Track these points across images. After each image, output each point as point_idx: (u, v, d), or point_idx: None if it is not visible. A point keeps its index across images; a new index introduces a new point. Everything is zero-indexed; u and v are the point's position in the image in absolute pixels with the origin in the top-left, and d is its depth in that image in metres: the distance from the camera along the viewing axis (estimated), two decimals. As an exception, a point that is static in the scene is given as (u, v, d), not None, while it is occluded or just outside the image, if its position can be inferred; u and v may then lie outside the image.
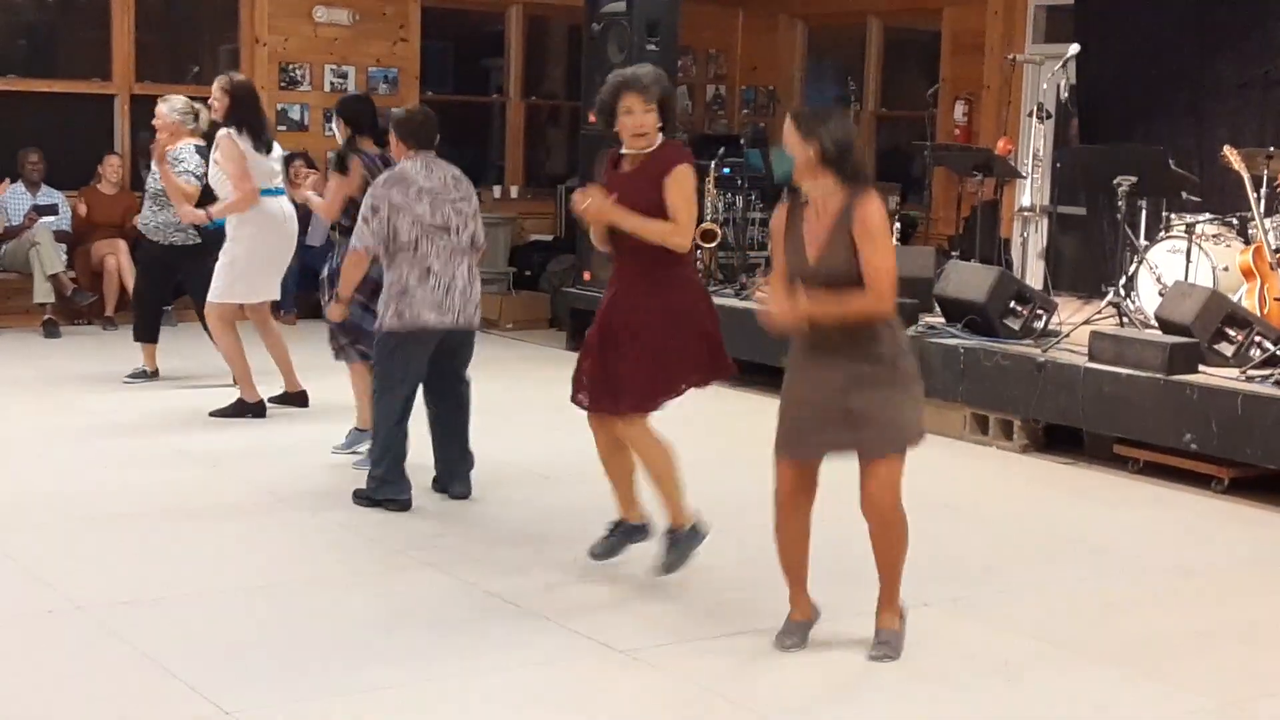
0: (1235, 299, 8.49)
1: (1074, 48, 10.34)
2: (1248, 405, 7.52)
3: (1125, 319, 8.87)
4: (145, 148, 9.69)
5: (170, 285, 9.84)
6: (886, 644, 5.16)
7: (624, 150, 5.74)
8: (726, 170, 11.74)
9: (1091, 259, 10.97)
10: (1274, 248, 8.54)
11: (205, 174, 8.93)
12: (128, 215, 11.77)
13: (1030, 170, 10.49)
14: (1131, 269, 9.25)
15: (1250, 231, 8.90)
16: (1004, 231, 11.35)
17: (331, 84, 12.99)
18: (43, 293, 11.39)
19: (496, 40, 14.45)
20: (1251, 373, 7.85)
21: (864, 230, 4.93)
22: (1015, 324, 8.92)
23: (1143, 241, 9.46)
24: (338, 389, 7.86)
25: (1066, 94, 11.00)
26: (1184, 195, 9.44)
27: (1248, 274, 8.59)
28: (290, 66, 12.84)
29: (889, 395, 5.03)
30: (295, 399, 8.94)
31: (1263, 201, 8.75)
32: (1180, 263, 8.92)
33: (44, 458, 7.73)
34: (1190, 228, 9.05)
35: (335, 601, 5.64)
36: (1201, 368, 7.99)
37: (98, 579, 5.78)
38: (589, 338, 5.82)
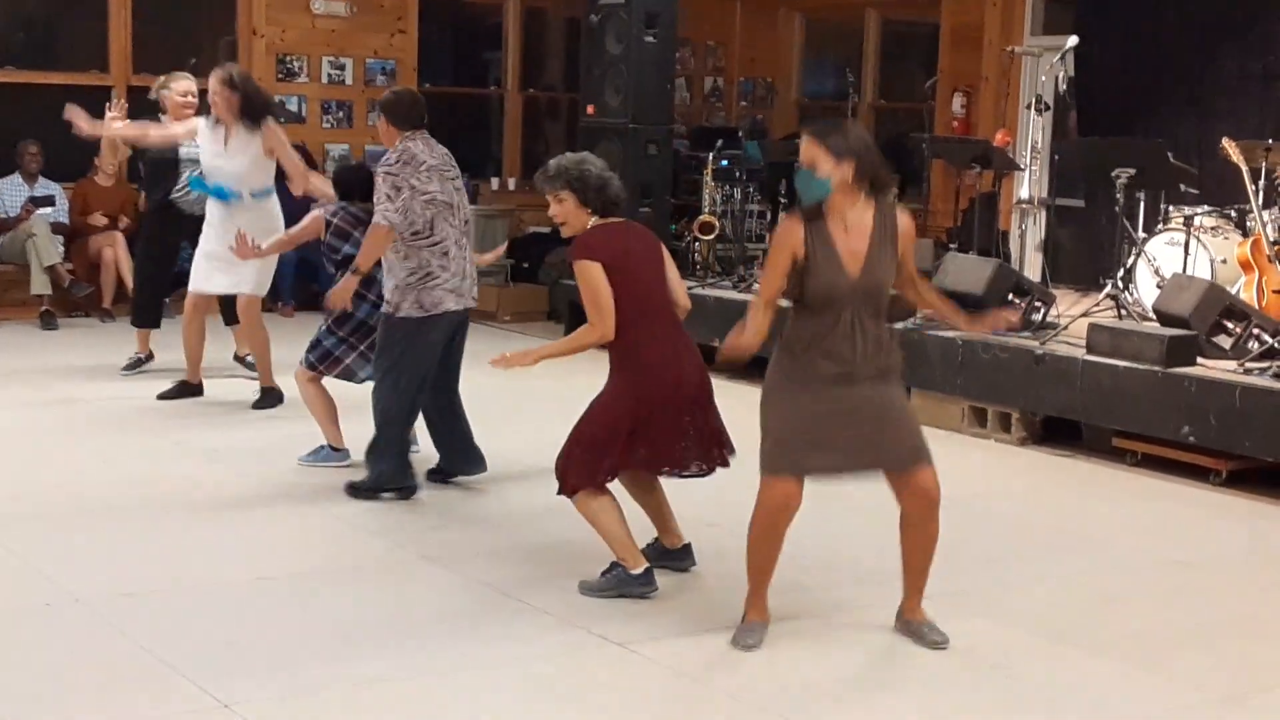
0: (1234, 291, 8.49)
1: (1072, 40, 10.32)
2: (1246, 398, 7.52)
3: (1123, 311, 8.87)
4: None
5: (173, 267, 9.79)
6: (943, 642, 5.26)
7: None
8: (724, 162, 11.73)
9: (1090, 251, 10.96)
10: (1272, 240, 8.54)
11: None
12: (125, 207, 11.76)
13: (1029, 162, 10.48)
14: (1130, 261, 9.25)
15: (1249, 224, 8.90)
16: (1002, 224, 11.34)
17: (329, 76, 12.98)
18: (40, 284, 11.39)
19: (495, 32, 14.44)
20: (1250, 365, 7.86)
21: (909, 240, 5.11)
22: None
23: (1141, 234, 9.46)
24: (333, 383, 7.84)
25: (1065, 86, 10.99)
26: (1182, 188, 9.44)
27: (1246, 266, 8.59)
28: (288, 58, 12.83)
29: (903, 401, 5.24)
30: (192, 390, 9.00)
31: (1261, 194, 8.75)
32: (1179, 255, 8.92)
33: (41, 450, 7.72)
34: (1189, 220, 9.04)
35: (334, 594, 5.64)
36: (1200, 360, 7.99)
37: (96, 572, 5.77)
38: None
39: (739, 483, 6.82)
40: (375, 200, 6.66)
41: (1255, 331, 8.10)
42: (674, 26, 11.56)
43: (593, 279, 5.53)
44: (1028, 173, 10.50)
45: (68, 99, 9.59)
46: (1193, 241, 8.89)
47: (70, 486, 7.01)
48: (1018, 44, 12.04)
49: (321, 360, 7.27)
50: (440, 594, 5.67)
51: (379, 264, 6.86)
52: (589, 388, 5.76)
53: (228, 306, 9.33)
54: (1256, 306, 8.36)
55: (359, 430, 7.28)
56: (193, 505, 6.76)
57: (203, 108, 8.86)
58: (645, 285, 5.63)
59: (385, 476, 6.84)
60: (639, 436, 5.56)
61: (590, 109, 11.64)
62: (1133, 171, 9.05)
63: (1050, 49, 11.01)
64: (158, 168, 9.36)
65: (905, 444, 5.15)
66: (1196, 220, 9.08)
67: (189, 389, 8.99)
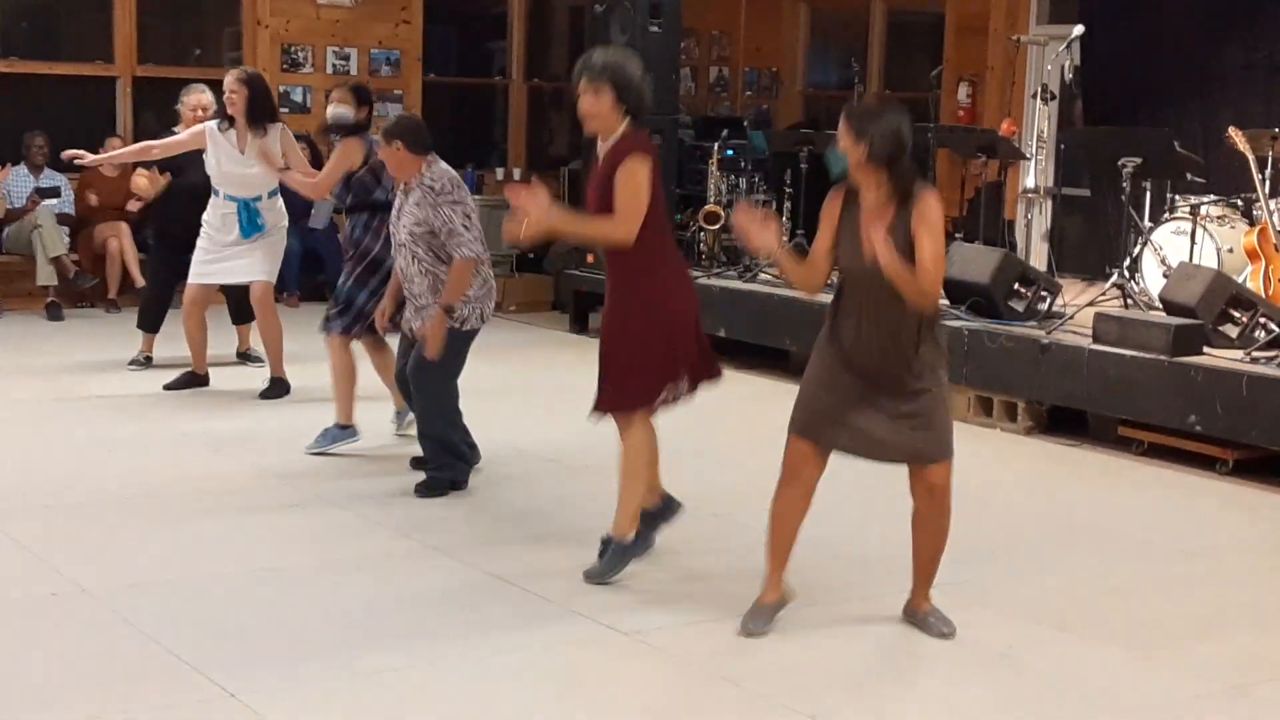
0: (1240, 280, 8.48)
1: (1078, 29, 10.31)
2: (1252, 387, 7.51)
3: (1130, 301, 8.85)
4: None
5: (181, 270, 9.79)
6: (947, 633, 5.25)
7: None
8: (730, 152, 11.72)
9: (1096, 241, 10.96)
10: (1279, 229, 8.52)
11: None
12: (130, 198, 11.75)
13: (1034, 152, 10.46)
14: (1136, 250, 9.24)
15: (1255, 213, 8.89)
16: (1008, 213, 11.33)
17: (334, 66, 12.98)
18: (45, 275, 11.40)
19: (499, 22, 14.43)
20: (1256, 354, 7.84)
21: (921, 219, 4.92)
22: (1019, 306, 8.91)
23: (1147, 223, 9.45)
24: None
25: (1071, 75, 10.96)
26: (1189, 177, 9.42)
27: (1252, 255, 8.58)
28: (292, 49, 12.83)
29: (936, 404, 5.11)
30: (198, 380, 9.04)
31: (1268, 183, 8.74)
32: (1185, 244, 8.91)
33: (47, 441, 7.73)
34: (1195, 209, 9.04)
35: (339, 584, 5.64)
36: (1206, 349, 7.98)
37: (102, 562, 5.78)
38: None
39: (744, 473, 6.83)
40: (448, 230, 6.59)
41: (1262, 320, 8.09)
42: (679, 16, 11.55)
43: (641, 180, 5.42)
44: (1033, 162, 10.48)
45: (73, 90, 9.63)
46: (1199, 230, 8.88)
47: (76, 477, 7.02)
48: (1023, 33, 12.04)
49: (357, 320, 7.36)
50: (446, 584, 5.67)
51: (386, 250, 6.93)
52: (591, 379, 5.74)
53: (235, 304, 9.35)
54: (1263, 295, 8.35)
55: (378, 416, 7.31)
56: (198, 496, 6.77)
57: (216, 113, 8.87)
58: (664, 200, 5.62)
59: (453, 472, 6.87)
60: (673, 357, 5.57)
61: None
62: (1139, 160, 9.03)
63: (1056, 38, 11.00)
64: (194, 191, 9.23)
65: (905, 444, 5.10)
66: (1203, 209, 9.07)
67: (195, 379, 9.01)
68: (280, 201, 8.89)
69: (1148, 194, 9.61)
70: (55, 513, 6.45)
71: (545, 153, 14.84)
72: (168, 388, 8.91)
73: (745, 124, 13.11)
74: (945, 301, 9.13)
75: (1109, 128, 10.39)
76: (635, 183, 5.42)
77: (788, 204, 11.02)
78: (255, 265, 8.75)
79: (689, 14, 12.43)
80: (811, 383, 5.19)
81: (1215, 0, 10.88)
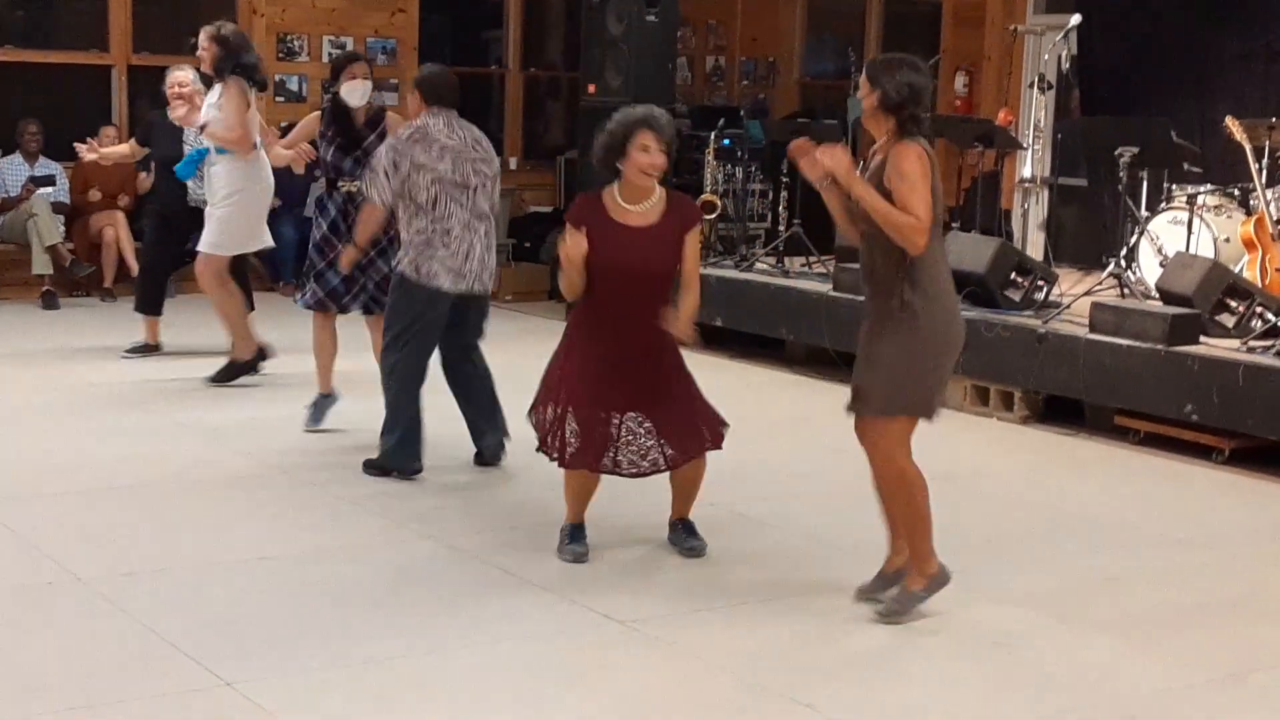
0: (1237, 270, 8.48)
1: (1075, 18, 10.30)
2: (1249, 376, 7.51)
3: (1126, 290, 8.85)
4: (142, 118, 9.64)
5: (178, 254, 9.78)
6: (888, 609, 5.22)
7: (622, 195, 5.62)
8: (726, 142, 11.70)
9: (1092, 230, 10.96)
10: (1275, 219, 8.53)
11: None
12: (125, 186, 11.74)
13: (1031, 141, 10.47)
14: (1133, 240, 9.24)
15: (1252, 202, 8.89)
16: (1005, 203, 11.33)
17: (329, 55, 12.92)
18: (41, 264, 11.38)
19: (495, 11, 14.41)
20: (1253, 344, 7.85)
21: (895, 171, 4.99)
22: (1016, 295, 8.91)
23: (1144, 213, 9.45)
24: (341, 362, 7.83)
25: (1068, 65, 10.97)
26: (1185, 166, 9.42)
27: (1249, 245, 8.58)
28: (288, 37, 12.81)
29: (893, 353, 5.07)
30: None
31: (1264, 172, 8.74)
32: (1181, 234, 8.91)
33: (43, 430, 7.72)
34: (1192, 199, 9.04)
35: (335, 573, 5.63)
36: (1203, 339, 7.99)
37: (97, 551, 5.77)
38: None
39: (740, 463, 6.83)
40: (371, 169, 6.73)
41: (1258, 310, 8.10)
42: (675, 5, 11.54)
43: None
44: (1030, 152, 10.49)
45: (68, 78, 9.61)
46: (1195, 220, 8.88)
47: (71, 466, 7.01)
48: (1020, 22, 12.01)
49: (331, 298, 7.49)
50: (442, 573, 5.67)
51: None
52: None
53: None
54: (1259, 285, 8.35)
55: (342, 405, 7.32)
56: (194, 484, 6.77)
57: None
58: None
59: (391, 456, 6.86)
60: None
61: (591, 88, 11.62)
62: (1136, 150, 9.02)
63: (1053, 27, 10.99)
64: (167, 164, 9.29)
65: (853, 384, 5.17)
66: (1199, 199, 9.07)
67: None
68: (249, 168, 8.59)
69: (1144, 183, 9.60)
70: (50, 501, 6.45)
71: (541, 142, 14.82)
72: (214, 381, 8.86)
73: (742, 113, 13.09)
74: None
75: (1106, 117, 10.39)
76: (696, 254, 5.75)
77: (784, 193, 11.00)
78: (204, 235, 8.66)
79: (685, 3, 12.41)
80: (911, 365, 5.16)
81: (1213, -11, 10.88)
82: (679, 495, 5.98)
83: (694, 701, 4.60)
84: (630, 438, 5.70)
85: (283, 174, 8.90)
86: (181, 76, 9.20)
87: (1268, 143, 8.83)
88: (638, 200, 5.62)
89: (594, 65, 11.58)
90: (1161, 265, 8.85)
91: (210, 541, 5.97)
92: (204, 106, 8.68)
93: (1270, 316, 8.01)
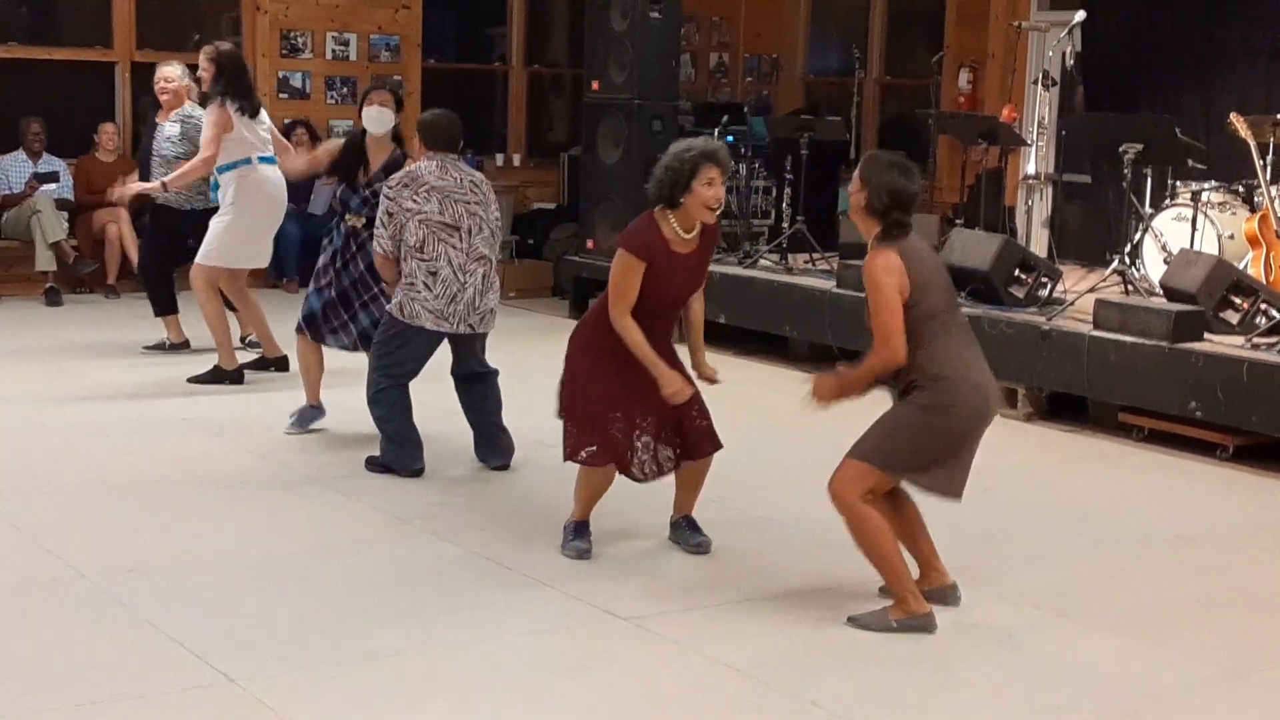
0: (1241, 267, 8.47)
1: (1080, 14, 10.29)
2: (1253, 373, 7.51)
3: (1130, 287, 8.85)
4: (146, 114, 9.64)
5: (176, 255, 9.77)
6: (859, 616, 5.21)
7: (680, 224, 5.63)
8: (730, 139, 11.69)
9: (1096, 227, 10.95)
10: (1280, 215, 8.52)
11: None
12: (127, 183, 11.73)
13: (1035, 138, 10.46)
14: (1137, 237, 9.23)
15: (1256, 199, 8.88)
16: (1008, 199, 11.32)
17: (333, 51, 12.95)
18: (44, 261, 11.39)
19: (499, 7, 14.40)
20: (1257, 340, 7.85)
21: (867, 283, 5.07)
22: (1020, 292, 8.91)
23: (1148, 209, 9.44)
24: (342, 357, 7.84)
25: (1072, 61, 10.94)
26: (1190, 163, 9.41)
27: (1253, 241, 8.58)
28: (292, 34, 12.80)
29: (901, 413, 5.18)
30: (277, 363, 9.03)
31: (1269, 169, 8.73)
32: (1185, 230, 8.91)
33: (47, 426, 7.73)
34: (1196, 195, 9.03)
35: (339, 569, 5.64)
36: (1207, 335, 7.98)
37: (102, 547, 5.78)
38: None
39: (744, 459, 6.83)
40: (378, 221, 6.80)
41: (1263, 307, 8.09)
42: (679, 2, 11.53)
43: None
44: (1034, 148, 10.48)
45: (71, 75, 9.62)
46: (1200, 217, 8.88)
47: (75, 462, 7.02)
48: (1024, 19, 12.00)
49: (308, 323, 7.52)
50: (446, 569, 5.68)
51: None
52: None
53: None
54: (1264, 282, 8.34)
55: (345, 401, 7.31)
56: (198, 481, 6.77)
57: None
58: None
59: (390, 456, 6.91)
60: None
61: (595, 85, 11.61)
62: (1140, 147, 9.01)
63: (1057, 24, 10.98)
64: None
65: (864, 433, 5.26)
66: (1204, 195, 9.07)
67: (265, 363, 9.11)
68: (244, 179, 8.60)
69: (1148, 180, 9.60)
70: (54, 498, 6.46)
71: (545, 139, 14.82)
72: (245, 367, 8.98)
73: (745, 110, 13.08)
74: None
75: (1110, 114, 10.37)
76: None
77: (787, 190, 11.00)
78: (203, 243, 8.70)
79: (689, 0, 12.40)
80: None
81: (1217, -15, 10.87)
82: (684, 491, 6.00)
83: (698, 698, 4.60)
84: (650, 440, 5.79)
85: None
86: (168, 72, 9.27)
87: (1272, 139, 8.81)
88: (690, 230, 5.68)
89: (598, 62, 11.58)
90: (1166, 262, 8.85)
91: (213, 537, 5.98)
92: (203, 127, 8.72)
93: (1275, 313, 8.01)
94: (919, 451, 5.13)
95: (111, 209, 11.65)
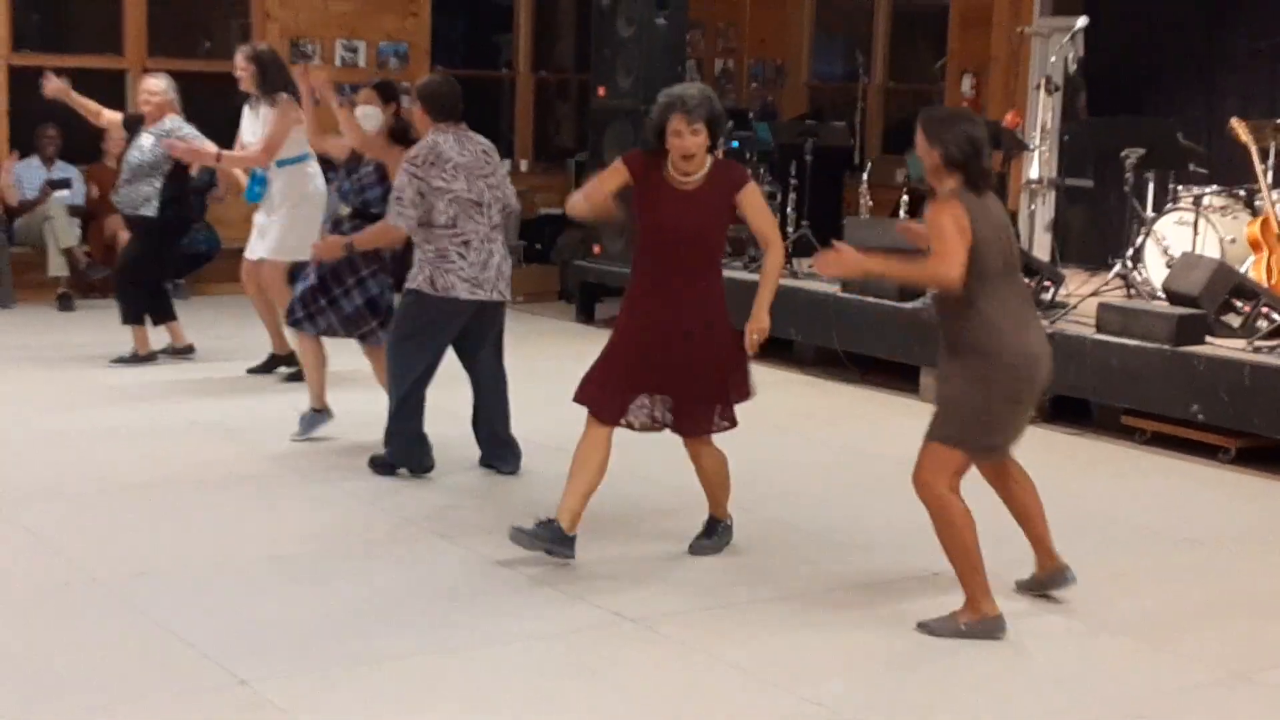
0: (1243, 270, 8.51)
1: (1082, 20, 10.33)
2: (1255, 376, 7.54)
3: (1133, 291, 8.89)
4: (135, 124, 9.65)
5: (165, 262, 9.78)
6: (928, 623, 5.23)
7: (673, 167, 5.68)
8: (735, 144, 11.74)
9: (1099, 231, 10.99)
10: (1281, 219, 8.55)
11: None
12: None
13: (1038, 143, 10.50)
14: (1139, 241, 9.26)
15: (1258, 203, 8.91)
16: (1011, 204, 11.35)
17: (342, 59, 13.00)
18: (57, 266, 11.44)
19: (506, 14, 14.45)
20: (1259, 344, 7.88)
21: (931, 229, 5.06)
22: (1023, 296, 8.93)
23: (1150, 213, 9.47)
24: (347, 358, 7.90)
25: (1075, 66, 10.98)
26: (1192, 167, 9.45)
27: (1255, 245, 8.61)
28: (301, 41, 12.86)
29: (956, 386, 5.18)
30: (287, 360, 9.09)
31: (1270, 173, 8.76)
32: (1188, 234, 8.94)
33: (58, 430, 7.77)
34: (1198, 200, 9.06)
35: (348, 572, 5.68)
36: (1209, 339, 8.02)
37: (113, 550, 5.83)
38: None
39: (748, 462, 6.87)
40: (393, 195, 6.69)
41: (1264, 310, 8.12)
42: (685, 8, 11.58)
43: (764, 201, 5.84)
44: (1037, 153, 10.51)
45: (83, 82, 9.67)
46: (1202, 221, 8.91)
47: (87, 466, 7.07)
48: (1027, 24, 12.03)
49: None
50: (454, 571, 5.72)
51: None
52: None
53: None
54: (1266, 285, 8.37)
55: (353, 405, 7.36)
56: (208, 483, 6.82)
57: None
58: None
59: (400, 454, 6.91)
60: None
61: (601, 91, 11.66)
62: (1142, 151, 9.06)
63: (1060, 29, 11.01)
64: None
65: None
66: (1205, 200, 9.10)
67: (275, 360, 9.18)
68: (302, 174, 8.85)
69: (1150, 185, 9.62)
70: (67, 502, 6.50)
71: (551, 144, 14.86)
72: (251, 372, 9.11)
73: (750, 116, 13.12)
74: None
75: (1112, 119, 10.41)
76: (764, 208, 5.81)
77: (792, 195, 11.05)
78: (264, 242, 8.86)
79: (695, 6, 12.46)
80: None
81: (1219, -9, 10.91)
82: (706, 492, 6.02)
83: (704, 699, 4.64)
84: (647, 402, 5.76)
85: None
86: (153, 84, 9.31)
87: (1273, 144, 8.84)
88: (685, 175, 5.70)
89: (604, 68, 11.63)
90: (1168, 266, 8.88)
91: (224, 540, 6.03)
92: (245, 125, 8.80)
93: (1276, 317, 8.04)
94: (982, 421, 5.15)
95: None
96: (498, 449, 7.13)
